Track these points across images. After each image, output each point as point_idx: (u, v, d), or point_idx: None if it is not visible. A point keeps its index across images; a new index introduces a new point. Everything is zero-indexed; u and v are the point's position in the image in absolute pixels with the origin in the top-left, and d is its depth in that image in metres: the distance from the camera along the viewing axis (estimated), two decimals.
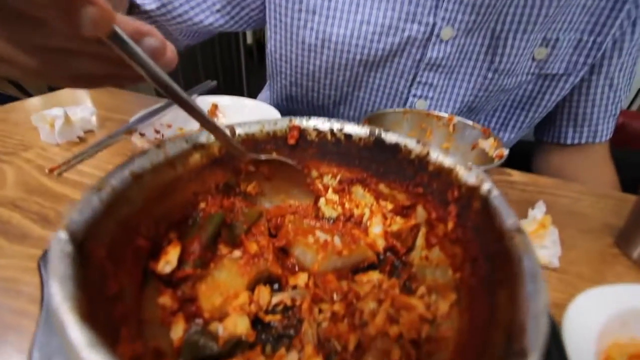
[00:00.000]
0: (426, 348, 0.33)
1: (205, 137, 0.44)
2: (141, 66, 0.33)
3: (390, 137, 0.46)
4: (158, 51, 0.36)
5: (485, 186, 0.35)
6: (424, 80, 0.87)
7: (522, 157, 0.97)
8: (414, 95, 0.91)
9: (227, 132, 0.44)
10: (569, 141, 0.96)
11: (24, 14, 0.27)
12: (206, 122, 0.39)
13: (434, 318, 0.37)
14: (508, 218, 0.31)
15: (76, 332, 0.19)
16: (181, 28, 0.93)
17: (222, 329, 0.35)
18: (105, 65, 0.37)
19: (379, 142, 0.47)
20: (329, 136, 0.49)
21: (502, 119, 0.99)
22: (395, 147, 0.46)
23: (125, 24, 0.31)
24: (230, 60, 2.97)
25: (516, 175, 0.78)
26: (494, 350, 0.23)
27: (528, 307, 0.23)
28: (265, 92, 1.21)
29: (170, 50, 0.39)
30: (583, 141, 0.94)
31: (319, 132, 0.49)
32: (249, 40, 3.27)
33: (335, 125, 0.49)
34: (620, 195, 0.73)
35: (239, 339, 0.34)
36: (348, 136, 0.48)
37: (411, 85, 0.89)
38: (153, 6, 0.86)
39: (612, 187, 0.92)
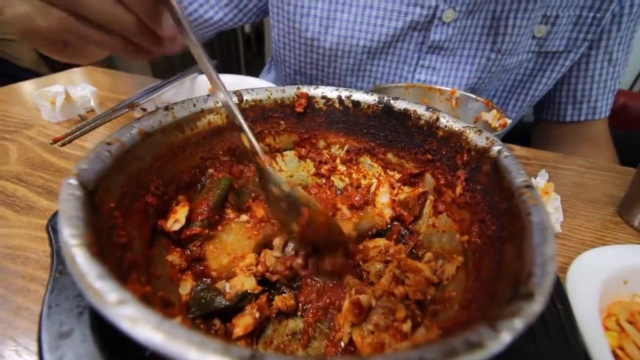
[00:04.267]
0: (432, 308, 0.34)
1: (213, 102, 0.44)
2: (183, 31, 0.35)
3: (399, 104, 0.45)
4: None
5: (496, 147, 0.35)
6: (426, 64, 0.86)
7: (521, 137, 0.97)
8: (418, 80, 0.90)
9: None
10: (568, 118, 0.95)
11: None
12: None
13: (440, 281, 0.37)
14: (518, 176, 0.30)
15: (86, 265, 0.20)
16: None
17: (229, 287, 0.36)
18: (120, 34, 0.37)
19: (387, 109, 0.46)
20: (337, 104, 0.49)
21: (502, 99, 0.98)
22: (405, 114, 0.45)
23: None
24: (228, 50, 2.91)
25: (518, 150, 0.77)
26: (499, 299, 0.23)
27: (535, 256, 0.23)
28: (265, 75, 1.20)
29: None
30: (582, 118, 0.93)
31: (327, 100, 0.49)
32: (247, 29, 3.19)
33: (344, 92, 0.48)
34: (622, 169, 0.72)
35: (246, 292, 0.34)
36: (356, 103, 0.48)
37: (414, 70, 0.88)
38: None
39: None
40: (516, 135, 1.02)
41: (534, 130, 1.08)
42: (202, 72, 0.89)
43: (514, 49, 0.81)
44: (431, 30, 0.80)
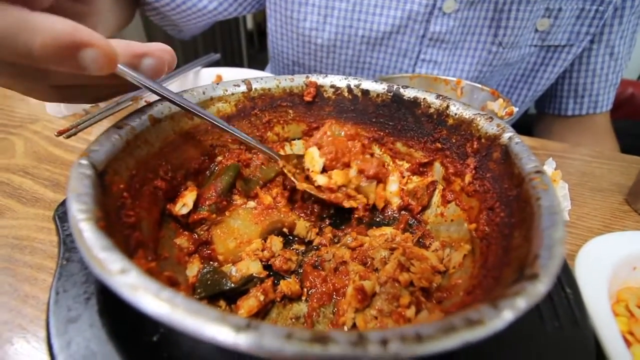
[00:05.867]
0: (437, 295, 0.33)
1: (222, 90, 0.45)
2: (151, 90, 0.33)
3: (409, 92, 0.45)
4: (157, 70, 0.33)
5: (507, 134, 0.34)
6: (427, 57, 0.84)
7: (523, 130, 0.96)
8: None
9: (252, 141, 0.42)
10: (569, 112, 0.94)
11: (26, 67, 0.26)
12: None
13: (447, 269, 0.36)
14: (529, 162, 0.29)
15: (92, 238, 0.20)
16: (186, 16, 0.92)
17: (235, 270, 0.36)
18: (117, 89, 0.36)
19: (397, 97, 0.45)
20: (346, 93, 0.48)
21: (504, 93, 0.96)
22: (414, 102, 0.44)
23: (123, 52, 0.30)
24: (231, 46, 2.90)
25: (525, 141, 0.75)
26: (504, 283, 0.22)
27: (542, 239, 0.22)
28: (270, 71, 1.20)
29: (170, 56, 0.35)
30: (584, 112, 0.92)
31: (336, 89, 0.48)
32: (250, 25, 3.14)
33: (353, 81, 0.48)
34: (629, 158, 0.70)
35: (251, 276, 0.35)
36: (365, 92, 0.47)
37: (415, 64, 0.87)
38: None
39: None
40: (520, 127, 1.00)
41: (535, 124, 1.08)
42: (206, 66, 0.90)
43: (516, 42, 0.80)
44: (431, 22, 0.78)
